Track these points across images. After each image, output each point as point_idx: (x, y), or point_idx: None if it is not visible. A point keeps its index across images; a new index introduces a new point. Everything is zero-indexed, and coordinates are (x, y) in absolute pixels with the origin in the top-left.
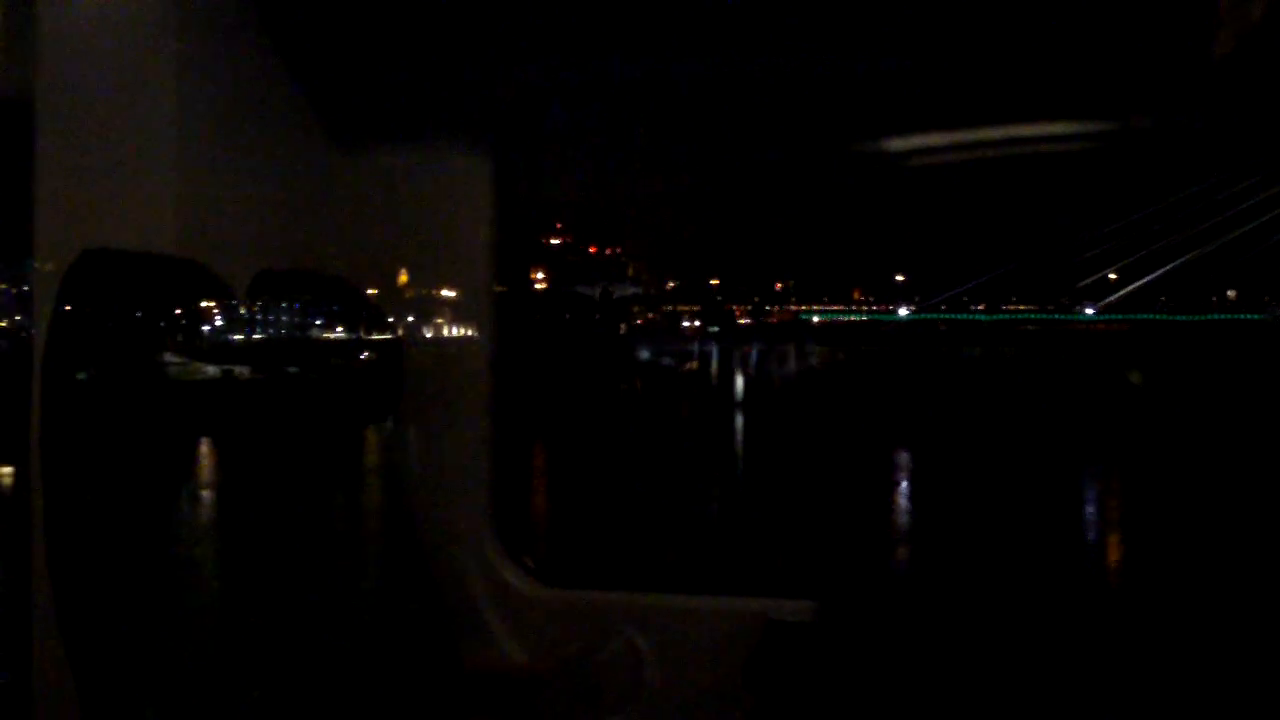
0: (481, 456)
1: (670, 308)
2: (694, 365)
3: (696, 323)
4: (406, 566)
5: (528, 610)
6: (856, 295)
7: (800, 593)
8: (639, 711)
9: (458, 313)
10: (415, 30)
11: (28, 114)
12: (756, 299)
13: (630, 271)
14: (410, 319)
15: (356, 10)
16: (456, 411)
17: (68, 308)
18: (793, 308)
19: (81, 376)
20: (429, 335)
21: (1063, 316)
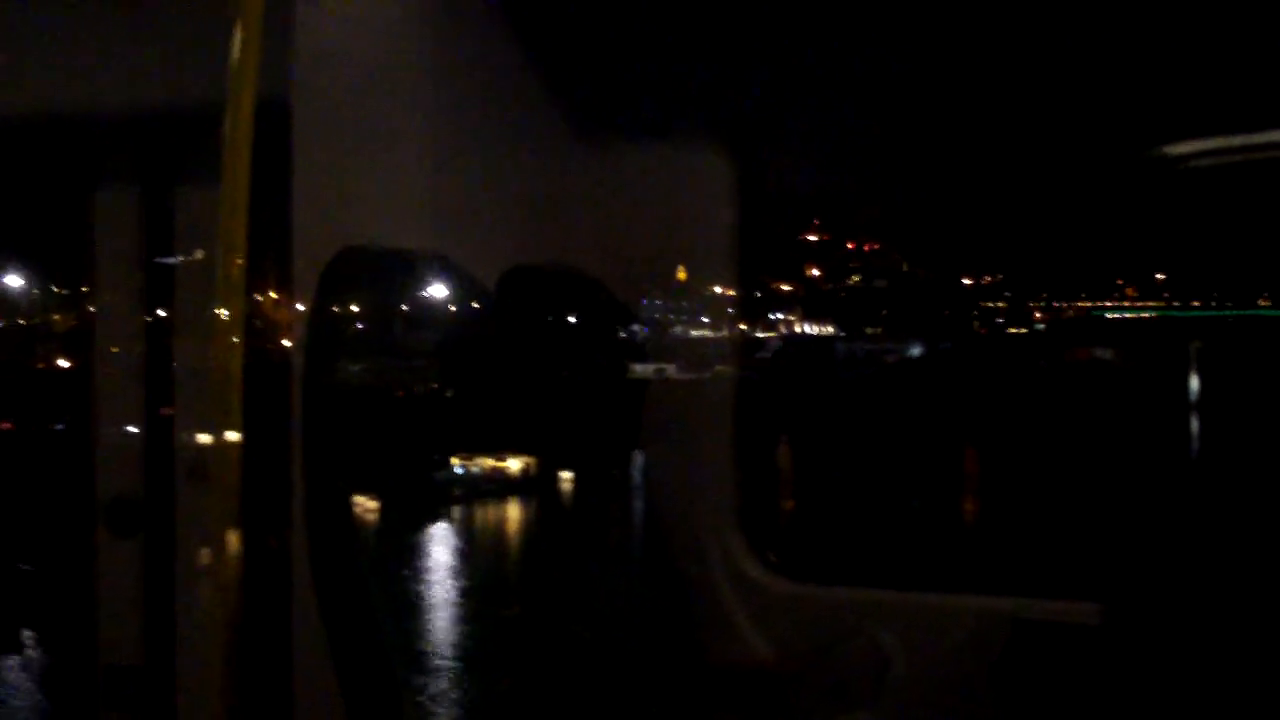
0: (725, 454)
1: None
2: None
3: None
4: (654, 563)
5: (773, 606)
6: (1130, 292)
7: (1054, 593)
8: (883, 709)
9: (700, 310)
10: (659, 28)
11: (286, 116)
12: (1044, 295)
13: (904, 267)
14: (655, 315)
15: (601, 11)
16: (701, 411)
17: (325, 302)
18: (1083, 304)
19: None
20: (675, 332)
21: None
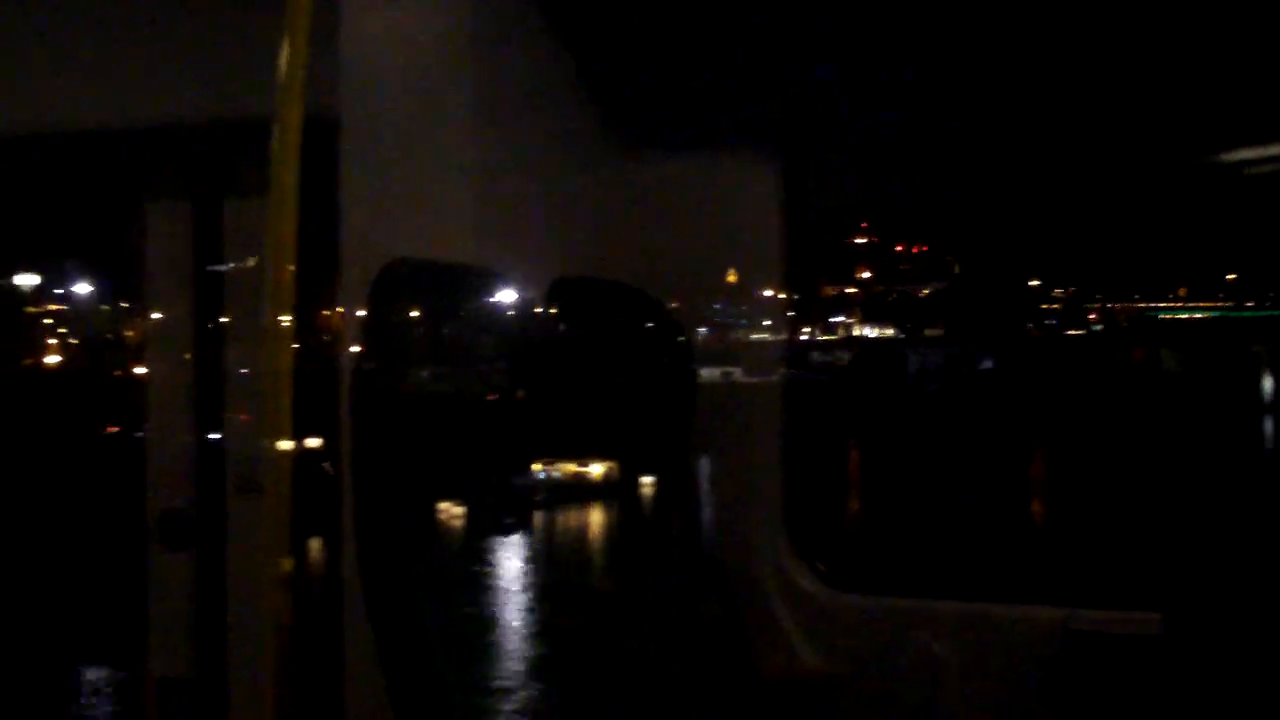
0: (775, 462)
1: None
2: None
3: (1051, 321)
4: (703, 573)
5: (823, 616)
6: (1183, 292)
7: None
8: (935, 718)
9: (747, 317)
10: (704, 36)
11: (333, 131)
12: (1100, 296)
13: (957, 269)
14: (701, 323)
15: (645, 22)
16: (749, 418)
17: (377, 312)
18: (1138, 304)
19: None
20: (719, 339)
21: None
